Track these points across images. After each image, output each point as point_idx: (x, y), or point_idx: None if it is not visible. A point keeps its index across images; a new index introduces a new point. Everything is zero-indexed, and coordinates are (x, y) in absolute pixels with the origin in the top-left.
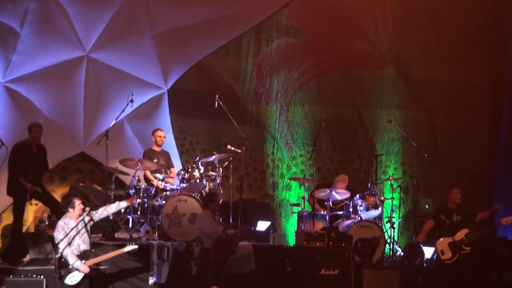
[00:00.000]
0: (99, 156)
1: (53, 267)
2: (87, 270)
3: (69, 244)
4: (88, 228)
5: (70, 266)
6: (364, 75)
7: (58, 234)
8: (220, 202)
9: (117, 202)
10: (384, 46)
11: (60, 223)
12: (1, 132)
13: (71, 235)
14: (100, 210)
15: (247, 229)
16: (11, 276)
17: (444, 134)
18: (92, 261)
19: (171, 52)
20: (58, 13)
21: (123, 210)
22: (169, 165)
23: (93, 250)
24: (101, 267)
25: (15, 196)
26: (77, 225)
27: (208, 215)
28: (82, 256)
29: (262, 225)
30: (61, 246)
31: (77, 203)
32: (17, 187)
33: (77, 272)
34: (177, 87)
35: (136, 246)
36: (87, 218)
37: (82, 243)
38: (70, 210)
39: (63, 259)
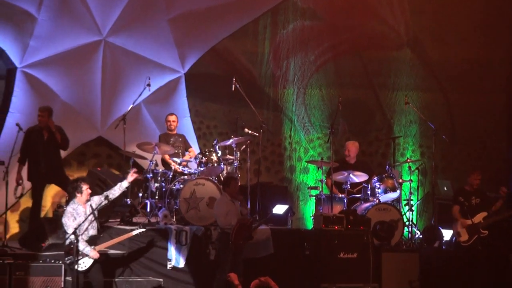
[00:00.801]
0: (117, 141)
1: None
2: (97, 255)
3: (79, 230)
4: (96, 212)
5: (80, 252)
6: (381, 57)
7: (68, 220)
8: (236, 185)
9: (118, 184)
10: (401, 27)
11: (69, 209)
12: (19, 117)
13: (80, 220)
14: (105, 194)
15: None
16: (29, 262)
17: (462, 116)
18: (102, 246)
19: (188, 36)
20: None
21: (140, 194)
22: (186, 146)
23: (101, 235)
24: (119, 251)
25: (33, 181)
26: (91, 213)
27: (227, 199)
28: (91, 241)
29: (280, 209)
30: (70, 231)
31: (85, 188)
32: (34, 172)
33: (86, 258)
34: (194, 70)
35: (144, 229)
36: (94, 203)
37: (90, 228)
38: (78, 195)
39: (72, 245)
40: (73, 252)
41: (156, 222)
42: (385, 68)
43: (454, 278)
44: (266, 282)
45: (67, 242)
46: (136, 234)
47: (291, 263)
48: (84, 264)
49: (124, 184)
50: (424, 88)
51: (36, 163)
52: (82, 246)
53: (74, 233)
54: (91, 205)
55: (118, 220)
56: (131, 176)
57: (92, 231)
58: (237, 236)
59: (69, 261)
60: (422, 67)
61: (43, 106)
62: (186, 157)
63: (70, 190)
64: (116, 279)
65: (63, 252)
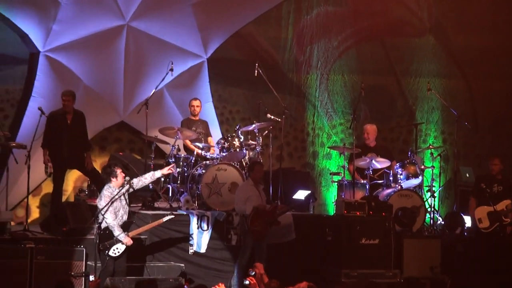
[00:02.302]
0: (139, 125)
1: (93, 236)
2: (130, 242)
3: (115, 215)
4: (127, 198)
5: (114, 238)
6: (404, 43)
7: (104, 204)
8: (261, 170)
9: (151, 172)
10: (424, 13)
11: (106, 192)
12: (41, 101)
13: (116, 206)
14: (135, 180)
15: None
16: (51, 246)
17: (484, 102)
18: (134, 232)
19: (211, 21)
20: None
21: (162, 179)
22: (207, 133)
23: (134, 221)
24: (141, 236)
25: (55, 165)
26: (120, 195)
27: (250, 184)
28: (124, 227)
29: (302, 194)
30: (107, 217)
31: (119, 171)
32: (56, 157)
33: (120, 244)
34: (217, 55)
35: (173, 216)
36: (126, 188)
37: (124, 213)
38: (113, 179)
39: (107, 231)
40: (97, 235)
41: (178, 207)
42: (408, 55)
43: (476, 264)
44: None
45: (103, 226)
46: (167, 221)
47: (313, 249)
48: (117, 250)
49: (157, 174)
50: (447, 74)
51: (59, 147)
52: (118, 232)
53: (99, 214)
54: (123, 190)
55: (140, 205)
56: (168, 170)
57: (125, 217)
58: (253, 221)
59: (102, 247)
60: (445, 53)
61: (67, 90)
62: (211, 143)
63: (105, 176)
64: (138, 264)
65: (84, 237)
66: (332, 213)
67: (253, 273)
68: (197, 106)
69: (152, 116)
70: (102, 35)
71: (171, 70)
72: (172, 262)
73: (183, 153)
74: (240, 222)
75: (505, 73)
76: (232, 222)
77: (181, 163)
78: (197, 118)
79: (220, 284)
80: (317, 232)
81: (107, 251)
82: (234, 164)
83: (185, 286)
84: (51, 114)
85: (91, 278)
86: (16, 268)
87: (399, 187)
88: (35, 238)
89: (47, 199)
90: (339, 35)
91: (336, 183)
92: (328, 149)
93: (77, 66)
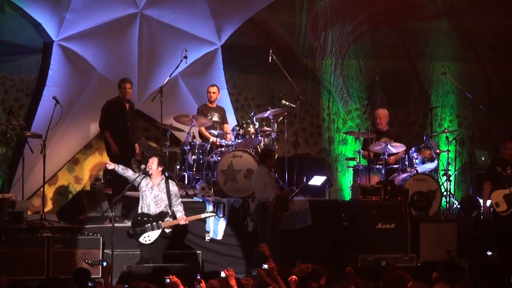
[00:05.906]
0: (154, 113)
1: (110, 225)
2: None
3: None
4: (172, 188)
5: (146, 226)
6: (418, 27)
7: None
8: (275, 157)
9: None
10: None
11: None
12: (56, 90)
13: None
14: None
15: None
16: (67, 235)
17: (499, 86)
18: (168, 223)
19: (224, 7)
20: None
21: (178, 167)
22: (223, 121)
23: (169, 214)
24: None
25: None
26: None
27: (264, 171)
28: (159, 216)
29: (318, 180)
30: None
31: (150, 160)
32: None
33: (151, 232)
34: (230, 42)
35: (213, 214)
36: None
37: (153, 204)
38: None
39: (139, 217)
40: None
41: (193, 194)
42: (422, 39)
43: (492, 247)
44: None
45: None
46: (205, 217)
47: (329, 234)
48: (148, 237)
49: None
50: (461, 58)
51: (124, 136)
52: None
53: (111, 206)
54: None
55: None
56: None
57: (155, 208)
58: (275, 209)
59: (133, 232)
60: (459, 37)
61: (127, 78)
62: (226, 130)
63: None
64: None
65: (101, 225)
66: (348, 198)
67: (255, 273)
68: (214, 93)
69: (167, 104)
70: (116, 23)
71: (185, 57)
72: (188, 249)
73: (198, 141)
74: (256, 208)
75: None
76: (248, 209)
77: (196, 151)
78: (214, 105)
79: (229, 269)
80: (334, 218)
81: (138, 238)
82: (250, 150)
83: (198, 275)
84: (109, 102)
85: (105, 264)
86: (33, 257)
87: (415, 171)
88: (51, 227)
89: (64, 189)
90: (354, 20)
91: (351, 168)
92: (344, 135)
93: (91, 55)
